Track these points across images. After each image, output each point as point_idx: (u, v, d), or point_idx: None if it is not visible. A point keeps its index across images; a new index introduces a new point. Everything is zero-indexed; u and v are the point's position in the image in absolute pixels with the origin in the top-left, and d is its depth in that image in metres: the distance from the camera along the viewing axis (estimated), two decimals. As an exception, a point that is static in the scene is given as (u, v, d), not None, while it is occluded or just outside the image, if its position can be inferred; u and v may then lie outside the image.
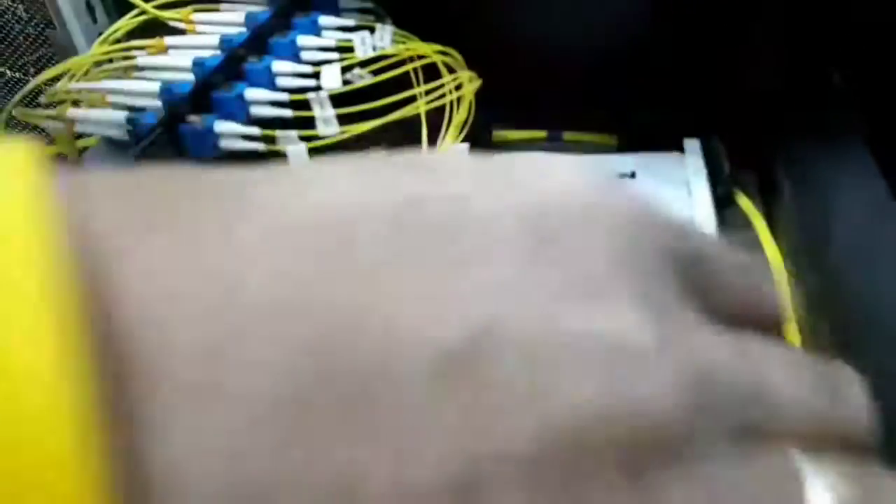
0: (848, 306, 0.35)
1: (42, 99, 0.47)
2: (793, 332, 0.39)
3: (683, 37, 0.48)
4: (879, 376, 0.31)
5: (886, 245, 0.33)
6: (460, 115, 0.48)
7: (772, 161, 0.46)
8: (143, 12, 0.51)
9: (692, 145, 0.49)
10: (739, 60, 0.47)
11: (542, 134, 0.54)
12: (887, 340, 0.31)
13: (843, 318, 0.35)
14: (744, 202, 0.46)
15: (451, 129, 0.48)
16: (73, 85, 0.45)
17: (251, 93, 0.41)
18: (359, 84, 0.42)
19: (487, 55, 0.49)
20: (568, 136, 0.53)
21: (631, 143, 0.51)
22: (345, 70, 0.43)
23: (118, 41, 0.52)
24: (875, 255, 0.34)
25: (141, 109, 0.42)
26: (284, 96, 0.41)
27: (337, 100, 0.42)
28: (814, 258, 0.40)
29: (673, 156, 0.49)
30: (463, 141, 0.49)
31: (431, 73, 0.48)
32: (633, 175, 0.48)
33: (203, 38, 0.47)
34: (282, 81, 0.43)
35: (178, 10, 0.51)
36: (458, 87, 0.47)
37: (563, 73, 0.51)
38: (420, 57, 0.46)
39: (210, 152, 0.39)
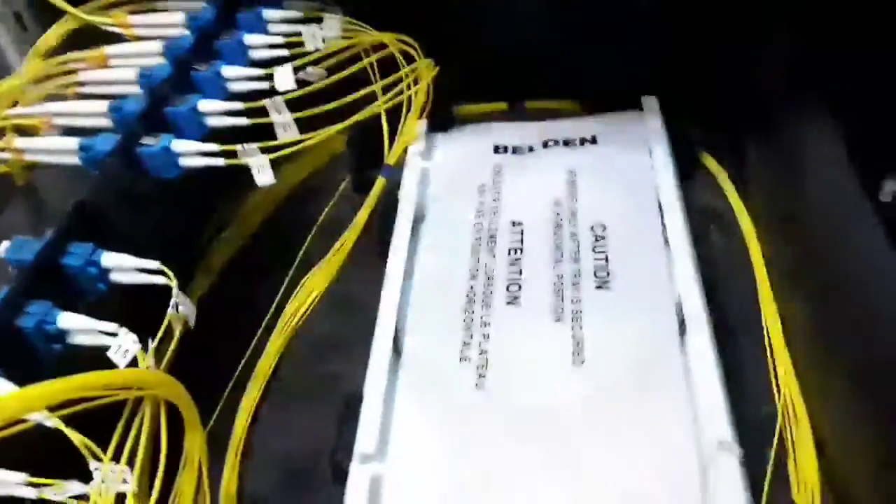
0: (824, 279, 0.36)
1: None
2: (766, 296, 0.40)
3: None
4: (861, 349, 0.32)
5: (858, 219, 0.33)
6: (419, 100, 0.47)
7: (738, 122, 0.46)
8: (74, 18, 0.49)
9: (650, 103, 0.49)
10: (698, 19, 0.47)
11: (503, 105, 0.53)
12: (865, 313, 0.32)
13: (819, 291, 0.36)
14: (711, 164, 0.47)
15: (412, 113, 0.47)
16: (15, 111, 0.43)
17: (204, 104, 0.40)
18: (317, 85, 0.41)
19: (442, 33, 0.48)
20: (530, 104, 0.53)
21: (594, 105, 0.51)
22: (297, 69, 0.42)
23: (52, 51, 0.49)
24: (848, 228, 0.35)
25: (91, 130, 0.40)
26: (239, 105, 0.40)
27: (292, 101, 0.41)
28: (785, 222, 0.40)
29: (633, 115, 0.49)
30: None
31: (388, 60, 0.47)
32: (594, 140, 0.48)
33: (144, 44, 0.46)
34: (234, 86, 0.42)
35: (110, 11, 0.49)
36: (413, 74, 0.47)
37: (521, 42, 0.50)
38: (375, 48, 0.45)
39: (170, 172, 0.38)
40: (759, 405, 0.36)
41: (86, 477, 0.26)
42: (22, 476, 0.26)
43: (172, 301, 0.30)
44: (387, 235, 0.44)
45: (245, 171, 0.39)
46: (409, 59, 0.48)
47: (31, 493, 0.26)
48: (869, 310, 0.33)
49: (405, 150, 0.48)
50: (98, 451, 0.25)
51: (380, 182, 0.46)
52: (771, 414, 0.35)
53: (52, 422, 0.25)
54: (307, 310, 0.43)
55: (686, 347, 0.35)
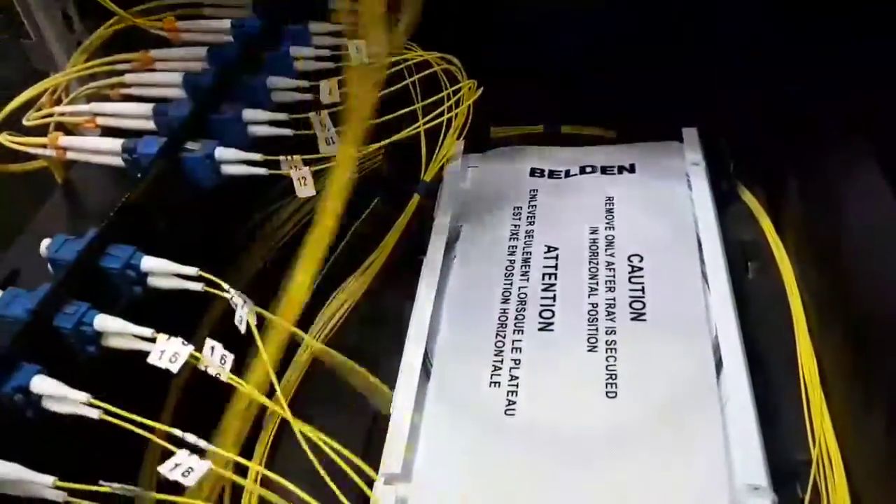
0: (863, 307, 0.35)
1: (24, 121, 0.45)
2: (803, 333, 0.39)
3: (677, 32, 0.48)
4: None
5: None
6: (458, 120, 0.47)
7: (777, 156, 0.45)
8: (122, 20, 0.49)
9: (690, 135, 0.49)
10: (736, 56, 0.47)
11: (539, 128, 0.53)
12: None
13: (857, 319, 0.36)
14: (748, 198, 0.46)
15: (450, 132, 0.47)
16: (60, 108, 0.44)
17: (249, 113, 0.40)
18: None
19: (484, 54, 0.48)
20: (566, 129, 0.53)
21: (630, 134, 0.51)
22: (342, 83, 0.42)
23: (97, 51, 0.50)
24: (889, 265, 0.34)
25: (134, 132, 0.41)
26: (283, 116, 0.40)
27: (331, 114, 0.41)
28: (824, 258, 0.40)
29: (672, 146, 0.49)
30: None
31: (431, 77, 0.47)
32: (632, 168, 0.48)
33: (190, 50, 0.46)
34: (277, 97, 0.42)
35: (159, 15, 0.49)
36: (455, 95, 0.46)
37: (560, 68, 0.50)
38: (419, 65, 0.45)
39: (211, 179, 0.38)
40: (792, 446, 0.35)
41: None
42: (50, 479, 0.25)
43: (238, 312, 0.30)
44: (419, 253, 0.44)
45: (281, 179, 0.39)
46: (451, 78, 0.48)
47: (59, 497, 0.26)
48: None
49: (441, 168, 0.48)
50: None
51: (415, 199, 0.46)
52: (805, 457, 0.35)
53: (96, 412, 0.25)
54: (336, 323, 0.43)
55: (721, 386, 0.35)
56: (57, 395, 0.27)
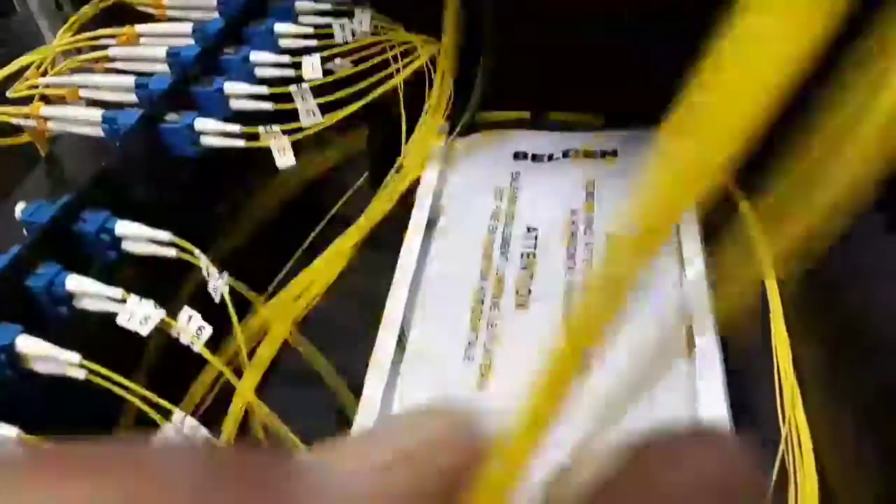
0: (844, 319, 0.36)
1: (9, 93, 0.45)
2: (778, 317, 0.39)
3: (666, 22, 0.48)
4: (876, 388, 0.32)
5: (882, 259, 0.33)
6: (441, 101, 0.47)
7: (758, 142, 0.46)
8: (109, -4, 0.49)
9: (674, 122, 0.49)
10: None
11: (525, 114, 0.53)
12: (885, 354, 0.31)
13: (834, 305, 0.36)
14: (728, 182, 0.46)
15: (430, 110, 0.47)
16: (44, 80, 0.44)
17: (230, 86, 0.40)
18: (340, 73, 0.41)
19: (469, 38, 0.48)
20: (553, 115, 0.53)
21: (617, 121, 0.51)
22: (325, 60, 0.42)
23: (84, 27, 0.50)
24: (872, 269, 0.34)
25: (116, 105, 0.41)
26: (264, 89, 0.40)
27: (314, 90, 0.41)
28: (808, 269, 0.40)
29: (656, 131, 0.49)
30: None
31: (415, 60, 0.47)
32: (614, 153, 0.48)
33: (175, 25, 0.46)
34: (261, 72, 0.42)
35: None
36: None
37: (548, 52, 0.50)
38: (402, 44, 0.46)
39: (190, 150, 0.38)
40: (763, 428, 0.35)
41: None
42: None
43: (212, 283, 0.30)
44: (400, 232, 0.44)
45: (265, 154, 0.39)
46: (435, 61, 0.48)
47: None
48: (885, 346, 0.32)
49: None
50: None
51: (395, 178, 0.46)
52: (775, 438, 0.35)
53: (82, 373, 0.25)
54: (312, 298, 0.43)
55: (694, 367, 0.35)
56: (45, 355, 0.27)
